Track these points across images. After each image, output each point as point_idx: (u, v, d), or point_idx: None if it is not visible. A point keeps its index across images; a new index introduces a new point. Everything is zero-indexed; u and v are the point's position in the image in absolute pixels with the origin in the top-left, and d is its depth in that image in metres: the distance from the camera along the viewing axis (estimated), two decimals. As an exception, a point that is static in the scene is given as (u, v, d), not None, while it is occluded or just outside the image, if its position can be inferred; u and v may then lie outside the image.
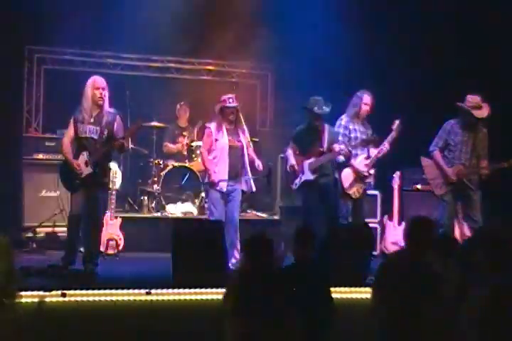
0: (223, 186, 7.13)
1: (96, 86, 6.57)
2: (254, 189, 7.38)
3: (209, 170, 7.21)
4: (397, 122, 7.31)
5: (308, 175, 7.27)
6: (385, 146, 7.37)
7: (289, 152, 7.46)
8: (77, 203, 6.61)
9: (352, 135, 7.47)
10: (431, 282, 4.18)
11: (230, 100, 7.18)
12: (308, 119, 7.34)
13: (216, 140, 7.18)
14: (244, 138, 7.28)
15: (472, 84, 7.72)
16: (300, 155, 7.39)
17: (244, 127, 7.40)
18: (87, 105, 6.58)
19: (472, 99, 7.04)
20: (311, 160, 7.27)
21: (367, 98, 7.49)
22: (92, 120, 6.57)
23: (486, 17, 8.83)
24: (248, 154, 7.25)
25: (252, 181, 7.30)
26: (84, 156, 6.54)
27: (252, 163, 7.27)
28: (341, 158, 7.36)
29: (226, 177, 7.12)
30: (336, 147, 7.18)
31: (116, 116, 6.68)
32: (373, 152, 7.43)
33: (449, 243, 4.65)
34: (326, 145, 7.24)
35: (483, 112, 7.01)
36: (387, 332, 4.16)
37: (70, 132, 6.65)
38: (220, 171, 7.13)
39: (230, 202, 7.19)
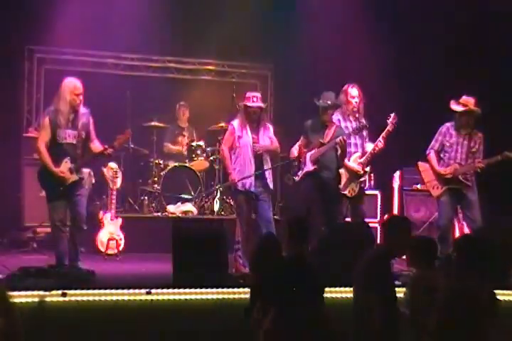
0: (246, 184, 6.94)
1: (76, 92, 6.44)
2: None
3: (228, 168, 7.06)
4: (392, 115, 7.19)
5: (309, 167, 7.13)
6: (380, 142, 7.29)
7: (297, 144, 7.33)
8: (60, 208, 6.53)
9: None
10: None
11: (254, 99, 6.96)
12: (318, 113, 7.18)
13: (239, 137, 6.97)
14: (269, 137, 7.09)
15: (474, 84, 7.73)
16: (307, 148, 7.28)
17: (269, 126, 7.19)
18: (64, 109, 6.44)
19: (464, 98, 7.06)
20: (312, 151, 7.18)
21: (353, 91, 7.28)
22: (69, 124, 6.46)
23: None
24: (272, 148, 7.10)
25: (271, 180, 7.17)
26: (67, 163, 6.43)
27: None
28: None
29: (250, 174, 6.91)
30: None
31: (89, 117, 6.59)
32: (369, 148, 7.36)
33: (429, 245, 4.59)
34: (328, 140, 7.06)
35: (460, 108, 7.01)
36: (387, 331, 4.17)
37: (46, 137, 6.46)
38: (243, 169, 6.95)
39: (262, 204, 6.96)
